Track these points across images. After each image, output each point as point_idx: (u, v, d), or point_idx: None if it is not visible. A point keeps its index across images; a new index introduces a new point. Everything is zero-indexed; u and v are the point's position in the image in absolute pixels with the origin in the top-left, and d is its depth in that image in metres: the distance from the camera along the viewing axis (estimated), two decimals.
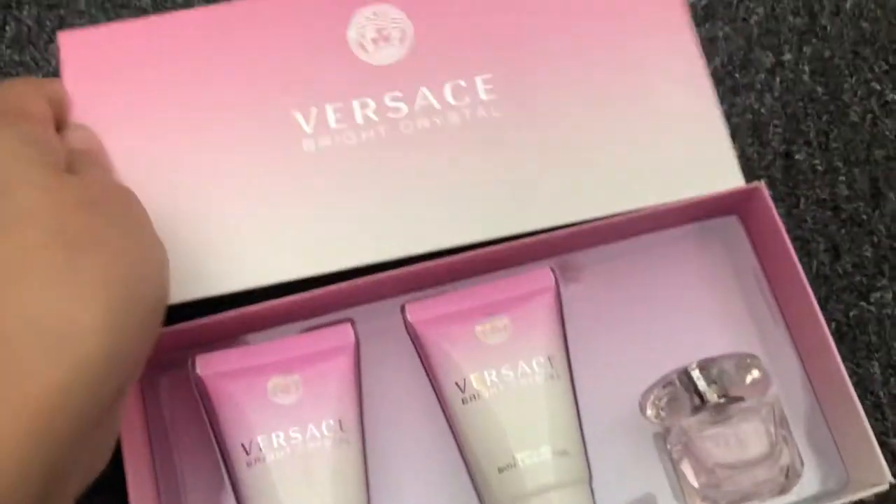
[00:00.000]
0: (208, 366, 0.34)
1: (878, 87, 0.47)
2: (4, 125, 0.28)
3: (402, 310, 0.37)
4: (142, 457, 0.34)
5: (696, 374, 0.36)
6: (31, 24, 0.46)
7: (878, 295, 0.43)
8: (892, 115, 0.46)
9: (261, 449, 0.33)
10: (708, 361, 0.37)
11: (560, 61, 0.39)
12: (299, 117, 0.36)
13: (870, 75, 0.47)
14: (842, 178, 0.45)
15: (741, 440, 0.35)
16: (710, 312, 0.40)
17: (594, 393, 0.38)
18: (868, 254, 0.44)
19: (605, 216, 0.37)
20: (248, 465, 0.33)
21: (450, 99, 0.37)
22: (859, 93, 0.47)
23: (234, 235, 0.35)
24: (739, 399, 0.36)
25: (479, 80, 0.37)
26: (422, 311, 0.36)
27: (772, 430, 0.36)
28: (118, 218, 0.28)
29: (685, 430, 0.36)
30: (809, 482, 0.38)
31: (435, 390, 0.36)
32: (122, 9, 0.47)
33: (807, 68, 0.47)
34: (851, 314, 0.43)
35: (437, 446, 0.37)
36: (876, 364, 0.42)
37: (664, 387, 0.37)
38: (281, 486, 0.32)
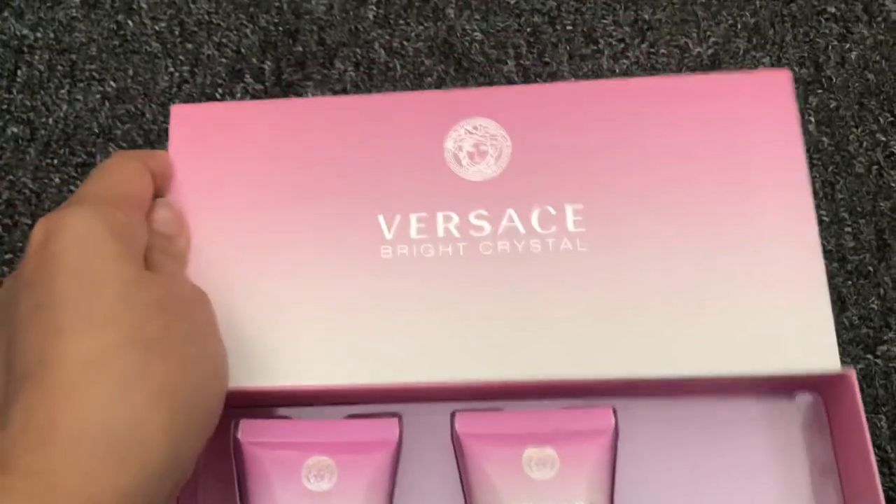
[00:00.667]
0: (250, 432, 0.34)
1: (884, 139, 0.47)
2: (98, 216, 0.29)
3: (452, 417, 0.36)
4: None
5: None
6: (43, 69, 0.47)
7: (884, 348, 0.43)
8: None
9: None
10: None
11: (659, 201, 0.36)
12: (382, 222, 0.36)
13: (875, 126, 0.47)
14: (847, 229, 0.45)
15: None
16: (766, 493, 0.37)
17: None
18: (874, 306, 0.43)
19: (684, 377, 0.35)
20: None
21: (536, 225, 0.36)
22: (865, 144, 0.47)
23: (293, 330, 0.35)
24: None
25: (569, 209, 0.36)
26: (472, 423, 0.35)
27: None
28: (189, 323, 0.29)
29: None
30: None
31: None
32: (134, 54, 0.47)
33: (813, 119, 0.47)
34: (858, 367, 0.42)
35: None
36: (883, 418, 0.42)
37: None
38: None
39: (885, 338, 0.43)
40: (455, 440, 0.35)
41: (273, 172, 0.37)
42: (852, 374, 0.34)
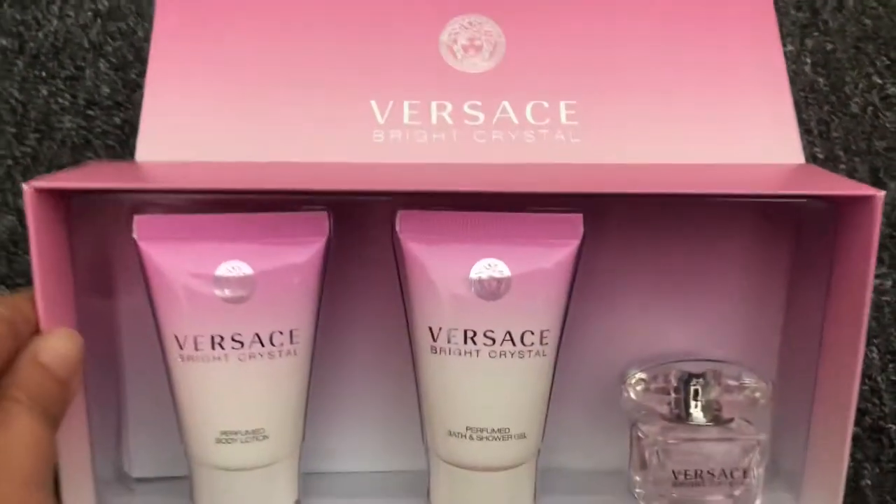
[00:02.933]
0: (148, 231, 0.32)
1: (880, 81, 0.47)
2: None
3: (395, 217, 0.34)
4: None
5: (694, 385, 0.35)
6: None
7: (877, 282, 0.42)
8: (893, 108, 0.46)
9: (196, 348, 0.32)
10: (711, 372, 0.35)
11: (646, 99, 0.37)
12: (374, 107, 0.37)
13: (871, 69, 0.47)
14: (842, 166, 0.45)
15: (708, 459, 0.34)
16: (738, 302, 0.38)
17: (579, 359, 0.37)
18: None
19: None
20: (181, 359, 0.32)
21: (529, 117, 0.37)
22: (861, 86, 0.47)
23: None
24: (728, 421, 0.35)
25: (562, 105, 0.37)
26: (418, 224, 0.33)
27: (744, 466, 0.34)
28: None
29: (658, 428, 0.35)
30: None
31: (407, 322, 0.34)
32: None
33: (808, 60, 0.47)
34: None
35: (394, 384, 0.37)
36: (875, 349, 0.41)
37: (656, 376, 0.36)
38: (210, 390, 0.32)
39: (878, 273, 0.43)
40: (396, 242, 0.34)
41: (266, 56, 0.37)
42: (881, 195, 0.31)
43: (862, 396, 0.42)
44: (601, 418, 0.38)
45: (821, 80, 0.47)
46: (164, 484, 0.38)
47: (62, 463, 0.32)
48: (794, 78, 0.46)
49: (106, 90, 0.45)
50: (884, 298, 0.42)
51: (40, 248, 0.30)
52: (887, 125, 0.46)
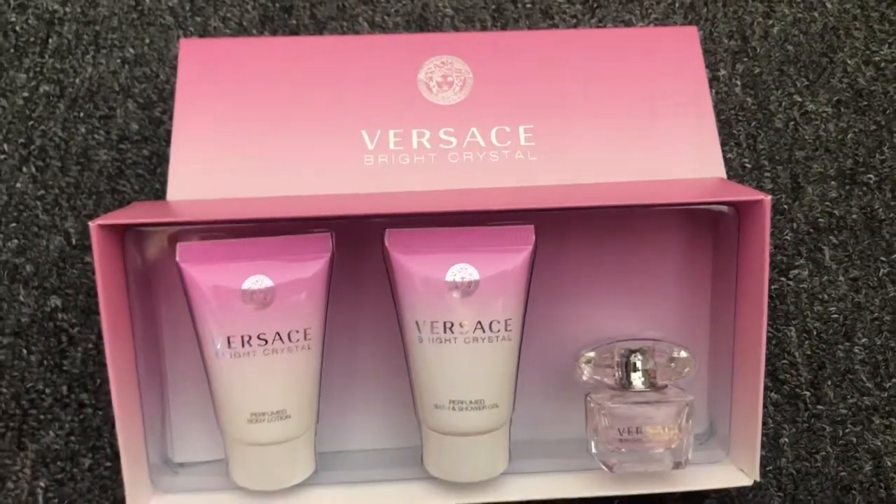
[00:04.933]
0: (188, 254, 0.39)
1: (800, 99, 0.53)
2: None
3: (383, 234, 0.39)
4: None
5: (633, 358, 0.41)
6: (71, 38, 0.53)
7: (796, 272, 0.50)
8: (811, 123, 0.53)
9: (229, 346, 0.39)
10: (648, 348, 0.41)
11: (592, 124, 0.44)
12: (365, 136, 0.43)
13: (793, 89, 0.54)
14: (767, 174, 0.52)
15: (649, 419, 0.40)
16: (673, 288, 0.44)
17: (541, 343, 0.44)
18: (788, 237, 0.50)
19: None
20: (217, 356, 0.39)
21: (494, 140, 0.43)
22: (783, 103, 0.53)
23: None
24: (663, 387, 0.42)
25: (521, 129, 0.44)
26: (403, 239, 0.39)
27: (678, 423, 0.40)
28: None
29: (606, 396, 0.41)
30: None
31: (397, 318, 0.40)
32: (150, 26, 0.54)
33: (739, 83, 0.54)
34: (773, 287, 0.49)
35: (390, 368, 0.43)
36: (793, 329, 0.48)
37: (603, 353, 0.42)
38: (242, 380, 0.38)
39: (797, 264, 0.50)
40: (385, 256, 0.40)
41: (270, 99, 0.44)
42: (768, 199, 0.38)
43: (782, 369, 0.49)
44: (562, 392, 0.44)
45: (749, 99, 0.53)
46: (201, 467, 0.44)
47: (123, 452, 0.39)
48: (726, 98, 0.53)
49: (135, 126, 0.52)
50: (801, 286, 0.49)
51: (104, 270, 0.38)
52: (806, 137, 0.52)
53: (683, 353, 0.42)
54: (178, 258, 0.39)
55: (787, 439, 0.48)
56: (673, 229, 0.45)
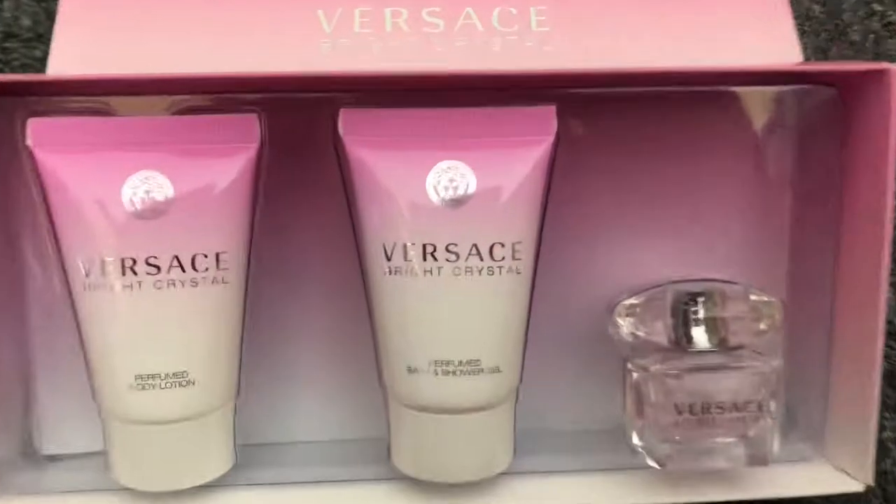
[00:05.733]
0: (45, 136, 0.28)
1: (880, 9, 0.44)
2: None
3: (335, 116, 0.30)
4: None
5: (695, 308, 0.31)
6: None
7: None
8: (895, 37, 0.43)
9: (103, 274, 0.28)
10: (714, 290, 0.31)
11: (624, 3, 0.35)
12: (321, 16, 0.33)
13: None
14: None
15: (716, 392, 0.30)
16: (738, 212, 0.35)
17: (560, 287, 0.34)
18: None
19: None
20: (86, 288, 0.28)
21: (496, 24, 0.33)
22: (859, 13, 0.43)
23: None
24: (737, 348, 0.31)
25: (533, 10, 0.34)
26: (362, 124, 0.29)
27: (760, 400, 0.30)
28: None
29: (655, 360, 0.31)
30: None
31: (356, 240, 0.30)
32: None
33: None
34: None
35: (345, 314, 0.33)
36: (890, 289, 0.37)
37: (649, 300, 0.32)
38: (121, 324, 0.28)
39: None
40: (338, 145, 0.30)
41: None
42: (893, 70, 0.28)
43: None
44: (588, 358, 0.34)
45: (817, 7, 0.44)
46: (79, 462, 0.34)
47: None
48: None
49: (26, 22, 0.41)
50: None
51: None
52: (890, 52, 0.43)
53: (765, 297, 0.30)
54: (28, 140, 0.28)
55: (890, 433, 0.37)
56: (738, 125, 0.35)
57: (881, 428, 0.38)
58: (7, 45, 0.41)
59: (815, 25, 0.43)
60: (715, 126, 0.35)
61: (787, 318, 0.33)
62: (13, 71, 0.42)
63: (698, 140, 0.35)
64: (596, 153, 0.34)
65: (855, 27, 0.43)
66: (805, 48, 0.42)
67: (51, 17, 0.42)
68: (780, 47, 0.33)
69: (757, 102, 0.35)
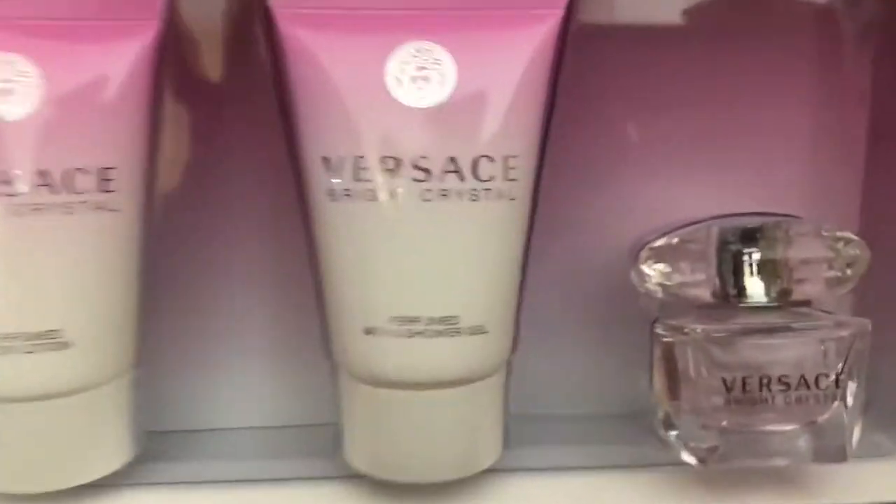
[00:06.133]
0: None
1: None
2: None
3: None
4: None
5: (748, 249, 0.24)
6: None
7: None
8: None
9: None
10: (774, 226, 0.25)
11: None
12: None
13: None
14: None
15: (776, 363, 0.23)
16: (796, 135, 0.28)
17: (569, 227, 0.28)
18: None
19: None
20: None
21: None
22: None
23: None
24: (804, 303, 0.25)
25: None
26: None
27: (830, 372, 0.24)
28: None
29: (693, 321, 0.24)
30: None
31: (291, 154, 0.23)
32: None
33: None
34: None
35: (278, 256, 0.27)
36: None
37: (686, 241, 0.25)
38: None
39: None
40: (269, 28, 0.24)
41: None
42: None
43: None
44: (604, 318, 0.28)
45: None
46: None
47: None
48: None
49: None
50: None
51: None
52: None
53: (847, 235, 0.23)
54: None
55: None
56: (802, 26, 0.28)
57: None
58: None
59: None
60: (773, 42, 0.28)
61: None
62: None
63: (750, 48, 0.28)
64: (624, 74, 0.28)
65: None
66: None
67: None
68: None
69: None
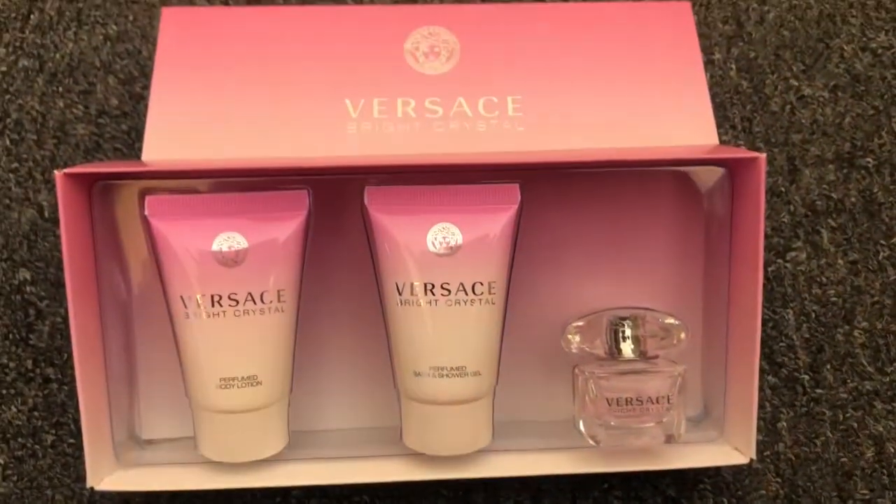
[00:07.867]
0: (157, 209, 0.37)
1: (796, 83, 0.52)
2: None
3: (362, 192, 0.38)
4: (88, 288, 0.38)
5: (622, 326, 0.40)
6: (53, 14, 0.52)
7: (793, 254, 0.48)
8: (808, 107, 0.52)
9: (199, 305, 0.37)
10: (638, 315, 0.40)
11: (581, 94, 0.43)
12: (349, 104, 0.42)
13: (788, 73, 0.52)
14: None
15: (639, 389, 0.39)
16: (664, 258, 0.43)
17: (526, 313, 0.42)
18: (786, 220, 0.49)
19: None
20: (186, 316, 0.37)
21: (482, 110, 0.42)
22: (779, 87, 0.52)
23: None
24: (654, 357, 0.40)
25: (509, 99, 0.42)
26: (382, 197, 0.38)
27: (670, 395, 0.39)
28: None
29: (595, 366, 0.40)
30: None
31: (376, 280, 0.39)
32: (134, 3, 0.53)
33: (734, 66, 0.53)
34: (770, 269, 0.47)
35: (368, 334, 0.41)
36: (790, 312, 0.47)
37: (591, 322, 0.41)
38: (211, 342, 0.37)
39: (794, 246, 0.48)
40: (364, 214, 0.39)
41: (251, 68, 0.43)
42: (762, 158, 0.37)
43: (779, 352, 0.46)
44: (548, 367, 0.43)
45: (744, 83, 0.52)
46: (169, 444, 0.42)
47: (85, 428, 0.37)
48: (721, 81, 0.52)
49: (114, 101, 0.50)
50: (799, 268, 0.47)
51: (69, 225, 0.36)
52: (803, 121, 0.51)
53: (674, 321, 0.40)
54: (146, 212, 0.38)
55: (785, 423, 0.46)
56: (664, 195, 0.43)
57: (777, 417, 0.46)
58: (100, 121, 0.50)
59: (743, 98, 0.52)
60: (645, 194, 0.43)
61: (703, 333, 0.42)
62: (105, 141, 0.51)
63: (632, 206, 0.43)
64: (553, 217, 0.42)
65: (775, 99, 0.52)
66: (733, 118, 0.52)
67: (133, 97, 0.51)
68: (701, 132, 0.42)
69: (678, 180, 0.43)
